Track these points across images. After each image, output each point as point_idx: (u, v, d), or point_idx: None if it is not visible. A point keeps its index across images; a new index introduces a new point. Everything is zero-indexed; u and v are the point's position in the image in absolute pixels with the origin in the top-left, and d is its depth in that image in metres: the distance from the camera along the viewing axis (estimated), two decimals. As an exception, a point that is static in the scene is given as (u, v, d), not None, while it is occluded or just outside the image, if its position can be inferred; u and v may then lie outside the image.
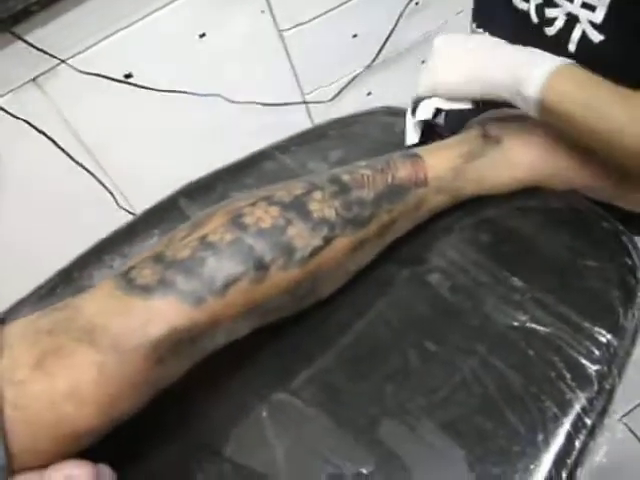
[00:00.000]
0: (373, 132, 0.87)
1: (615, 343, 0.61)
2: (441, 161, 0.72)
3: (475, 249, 0.71)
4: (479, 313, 0.66)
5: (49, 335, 0.54)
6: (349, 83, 1.63)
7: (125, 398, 0.55)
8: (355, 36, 1.54)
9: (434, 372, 0.63)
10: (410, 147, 0.80)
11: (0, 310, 0.81)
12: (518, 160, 0.72)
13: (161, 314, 0.56)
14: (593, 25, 0.70)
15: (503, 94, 0.68)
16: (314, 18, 1.44)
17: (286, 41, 1.47)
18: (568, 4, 0.71)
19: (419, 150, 0.74)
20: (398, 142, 0.83)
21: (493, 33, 0.86)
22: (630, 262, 0.68)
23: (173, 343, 0.56)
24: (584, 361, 0.60)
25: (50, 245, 1.11)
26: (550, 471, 0.55)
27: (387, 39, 1.55)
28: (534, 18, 0.77)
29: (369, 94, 1.70)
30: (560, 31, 0.75)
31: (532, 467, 0.55)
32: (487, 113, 0.79)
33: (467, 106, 0.74)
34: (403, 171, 0.69)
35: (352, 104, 1.66)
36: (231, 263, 0.58)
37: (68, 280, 0.82)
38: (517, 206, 0.74)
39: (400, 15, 1.53)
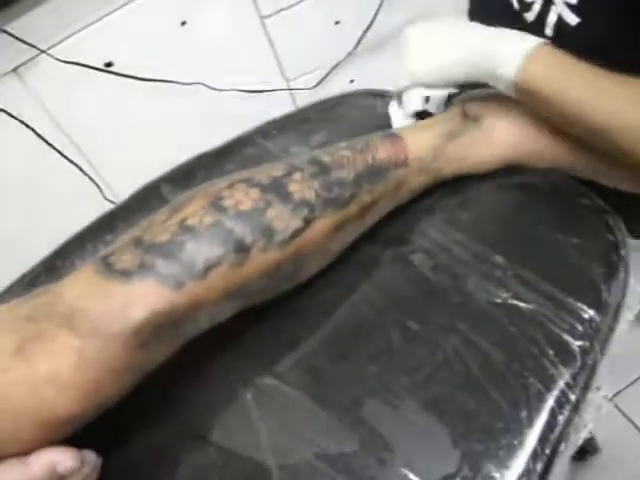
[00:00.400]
0: (355, 114, 0.87)
1: (597, 319, 0.61)
2: (421, 141, 0.72)
3: (457, 228, 0.71)
4: (461, 291, 0.66)
5: (29, 321, 0.53)
6: (332, 70, 1.62)
7: (107, 383, 0.55)
8: (337, 22, 1.53)
9: (417, 351, 0.63)
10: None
11: (-17, 302, 0.81)
12: (498, 138, 0.71)
13: (141, 298, 0.55)
14: (569, 6, 0.70)
15: (481, 76, 0.68)
16: (296, 4, 1.43)
17: (268, 27, 1.46)
18: None
19: (399, 130, 0.73)
20: (380, 124, 0.82)
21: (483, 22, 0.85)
22: (612, 238, 0.68)
23: (154, 327, 0.56)
24: (567, 337, 0.60)
25: (35, 238, 1.09)
26: (534, 447, 0.55)
27: (369, 26, 1.55)
28: (515, 4, 0.77)
29: (352, 81, 1.69)
30: (538, 15, 0.74)
31: (516, 443, 0.55)
32: (468, 93, 0.79)
33: (452, 90, 0.75)
34: (383, 151, 0.69)
35: (336, 91, 1.65)
36: (211, 246, 0.58)
37: (51, 269, 0.82)
38: (498, 184, 0.74)
39: (382, 1, 1.53)
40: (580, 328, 0.61)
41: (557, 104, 0.63)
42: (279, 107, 1.61)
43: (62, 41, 1.26)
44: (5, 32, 1.18)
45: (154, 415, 0.63)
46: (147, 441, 0.62)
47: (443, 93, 0.76)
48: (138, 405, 0.59)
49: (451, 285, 0.66)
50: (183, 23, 1.35)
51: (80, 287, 0.56)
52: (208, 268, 0.58)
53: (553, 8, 0.72)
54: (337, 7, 1.50)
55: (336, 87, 1.66)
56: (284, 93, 1.62)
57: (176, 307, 0.57)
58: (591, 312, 0.61)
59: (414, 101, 0.78)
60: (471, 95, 0.78)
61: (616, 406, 1.55)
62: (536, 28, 0.75)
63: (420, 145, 0.71)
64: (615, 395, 1.55)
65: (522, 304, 0.63)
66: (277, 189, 0.62)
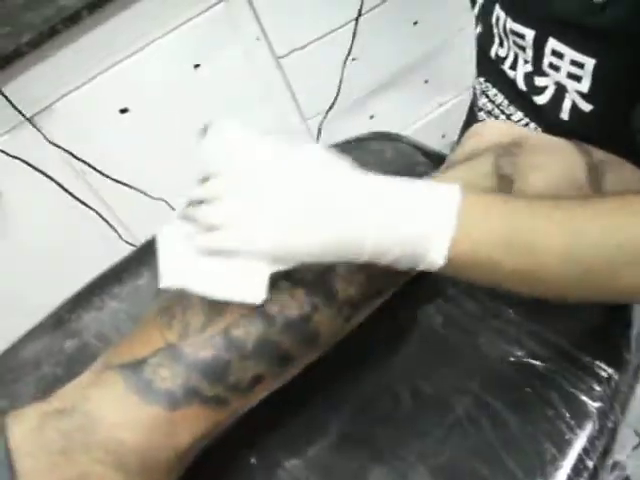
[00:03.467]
0: (362, 159, 0.85)
1: (617, 377, 0.58)
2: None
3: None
4: (473, 348, 0.63)
5: (65, 456, 0.51)
6: (351, 107, 1.61)
7: None
8: (354, 59, 1.52)
9: (427, 413, 0.60)
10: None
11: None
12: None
13: (187, 424, 0.54)
14: (581, 95, 0.67)
15: (381, 258, 0.52)
16: (310, 42, 1.43)
17: (284, 67, 1.46)
18: (555, 73, 0.68)
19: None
20: (387, 170, 0.80)
21: (495, 86, 0.82)
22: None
23: (196, 447, 0.55)
24: (584, 397, 0.57)
25: (55, 282, 1.09)
26: (550, 519, 0.52)
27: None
28: (521, 86, 0.75)
29: (372, 117, 1.68)
30: (552, 100, 0.71)
31: (531, 515, 0.52)
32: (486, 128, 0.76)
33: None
34: None
35: (355, 128, 1.64)
36: (257, 363, 0.55)
37: (58, 323, 0.81)
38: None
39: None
40: (598, 388, 0.57)
41: (494, 276, 0.51)
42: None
43: (76, 89, 1.26)
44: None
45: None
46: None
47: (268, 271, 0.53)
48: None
49: (462, 341, 0.64)
50: (196, 66, 1.35)
51: (116, 411, 0.53)
52: (254, 384, 0.56)
53: (567, 95, 0.69)
54: (352, 44, 1.50)
55: (356, 124, 1.64)
56: (303, 133, 1.61)
57: (218, 424, 0.56)
58: (610, 370, 0.58)
59: (256, 285, 0.53)
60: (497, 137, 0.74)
61: None
62: (549, 111, 0.72)
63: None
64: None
65: (537, 362, 0.60)
66: (323, 289, 0.57)
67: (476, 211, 0.50)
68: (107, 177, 1.40)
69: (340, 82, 1.55)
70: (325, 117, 1.60)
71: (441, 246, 0.49)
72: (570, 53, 0.64)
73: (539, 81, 0.72)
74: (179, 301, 0.57)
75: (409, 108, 1.75)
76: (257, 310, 0.55)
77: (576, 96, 0.67)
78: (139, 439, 0.52)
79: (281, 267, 0.51)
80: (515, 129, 0.73)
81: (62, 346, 0.77)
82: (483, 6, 0.77)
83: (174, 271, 0.53)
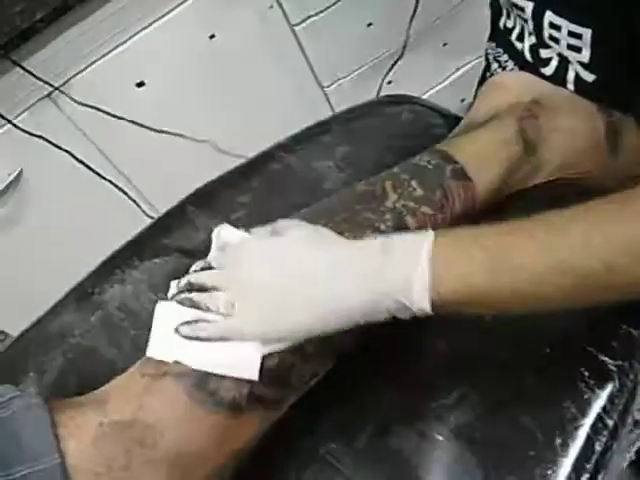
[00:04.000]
0: (377, 124, 0.85)
1: (636, 335, 0.57)
2: (486, 184, 0.67)
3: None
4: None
5: (128, 472, 0.50)
6: (367, 73, 1.60)
7: None
8: (370, 25, 1.50)
9: (445, 374, 0.60)
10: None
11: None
12: (550, 166, 0.70)
13: (248, 428, 0.54)
14: (582, 65, 0.67)
15: (373, 318, 0.53)
16: (325, 9, 1.41)
17: (299, 35, 1.44)
18: (556, 45, 0.68)
19: (465, 164, 0.66)
20: (403, 133, 0.80)
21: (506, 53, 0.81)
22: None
23: (254, 442, 0.56)
24: (603, 357, 0.57)
25: (78, 258, 1.10)
26: (569, 476, 0.52)
27: (411, 21, 1.51)
28: (528, 58, 0.74)
29: (389, 83, 1.66)
30: (556, 71, 0.71)
31: (550, 473, 0.52)
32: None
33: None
34: (459, 204, 0.65)
35: (373, 94, 1.63)
36: (316, 363, 0.57)
37: (82, 297, 0.82)
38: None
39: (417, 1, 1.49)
40: (617, 346, 0.57)
41: (487, 305, 0.52)
42: (316, 115, 1.61)
43: (93, 64, 1.27)
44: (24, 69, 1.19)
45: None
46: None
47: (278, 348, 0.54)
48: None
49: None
50: (211, 37, 1.35)
51: (179, 423, 0.52)
52: (311, 380, 0.57)
53: (570, 66, 0.69)
54: (368, 9, 1.47)
55: (374, 90, 1.63)
56: (321, 100, 1.60)
57: (276, 417, 0.57)
58: (630, 329, 0.58)
59: (247, 365, 0.53)
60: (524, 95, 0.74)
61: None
62: (555, 82, 0.72)
63: (485, 189, 0.67)
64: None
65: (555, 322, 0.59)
66: None
67: (449, 249, 0.51)
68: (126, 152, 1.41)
69: (356, 48, 1.53)
70: (341, 84, 1.59)
71: (422, 293, 0.49)
72: (567, 24, 0.64)
73: (543, 53, 0.71)
74: None
75: (427, 72, 1.73)
76: None
77: (578, 67, 0.68)
78: (204, 450, 0.52)
79: (275, 347, 0.52)
80: (535, 81, 0.73)
81: (87, 318, 0.78)
82: None
83: (165, 344, 0.54)
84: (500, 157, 0.68)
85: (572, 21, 0.63)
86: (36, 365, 0.75)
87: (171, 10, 1.28)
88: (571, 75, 0.69)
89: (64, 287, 0.84)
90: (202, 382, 0.52)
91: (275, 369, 0.53)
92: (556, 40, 0.67)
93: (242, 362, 0.52)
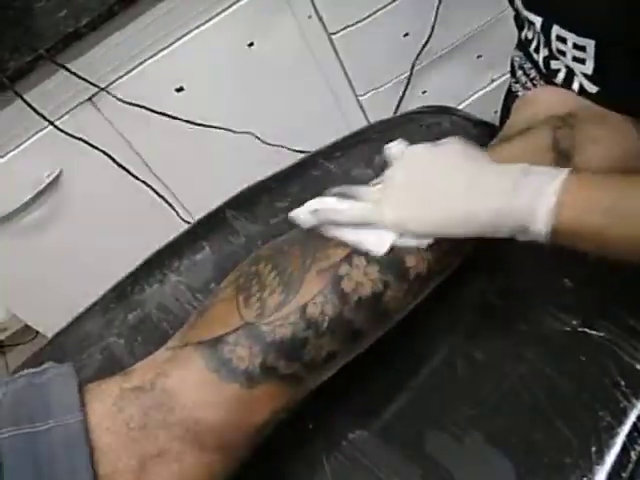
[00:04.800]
0: (415, 133, 0.85)
1: (672, 344, 0.58)
2: None
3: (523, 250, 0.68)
4: (527, 317, 0.63)
5: (144, 432, 0.52)
6: (403, 83, 1.60)
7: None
8: (406, 35, 1.51)
9: (482, 381, 0.61)
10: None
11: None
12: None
13: (264, 401, 0.55)
14: (586, 77, 0.68)
15: (496, 234, 0.57)
16: (363, 19, 1.42)
17: (336, 44, 1.46)
18: (563, 58, 0.69)
19: None
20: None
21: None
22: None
23: (273, 422, 0.57)
24: (639, 365, 0.57)
25: (115, 258, 1.12)
26: (605, 484, 0.53)
27: (430, 36, 1.52)
28: (542, 69, 0.75)
29: (424, 93, 1.67)
30: (564, 82, 0.72)
31: (585, 480, 0.53)
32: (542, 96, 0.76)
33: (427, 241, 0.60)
34: None
35: (407, 104, 1.64)
36: (332, 340, 0.57)
37: (121, 296, 0.83)
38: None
39: (437, 11, 1.50)
40: (653, 355, 0.57)
41: (599, 243, 0.55)
42: (351, 123, 1.62)
43: (134, 69, 1.29)
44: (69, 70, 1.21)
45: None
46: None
47: (414, 244, 0.60)
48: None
49: (517, 311, 0.64)
50: (250, 44, 1.36)
51: (195, 389, 0.54)
52: (327, 361, 0.57)
53: (575, 78, 0.70)
54: (404, 19, 1.48)
55: (408, 100, 1.64)
56: (354, 109, 1.61)
57: (293, 400, 0.58)
58: (665, 338, 0.58)
59: (378, 242, 0.59)
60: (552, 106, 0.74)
61: None
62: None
63: None
64: None
65: (592, 332, 0.60)
66: (395, 266, 0.59)
67: (578, 185, 0.54)
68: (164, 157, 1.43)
69: (392, 58, 1.54)
70: (376, 93, 1.60)
71: (545, 218, 0.53)
72: (572, 37, 0.65)
73: (554, 64, 0.73)
74: (255, 278, 0.59)
75: (462, 84, 1.73)
76: (332, 288, 0.56)
77: (582, 78, 0.69)
78: (217, 417, 0.53)
79: (406, 241, 0.58)
80: (569, 96, 0.73)
81: (125, 317, 0.80)
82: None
83: (312, 210, 0.61)
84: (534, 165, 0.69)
85: (577, 33, 0.64)
86: (73, 363, 0.76)
87: (212, 18, 1.30)
88: (576, 86, 0.70)
89: (101, 288, 0.86)
90: (217, 351, 0.55)
91: (287, 341, 0.55)
92: (563, 52, 0.68)
93: (374, 240, 0.58)
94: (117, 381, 0.56)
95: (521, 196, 0.54)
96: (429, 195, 0.58)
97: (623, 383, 0.56)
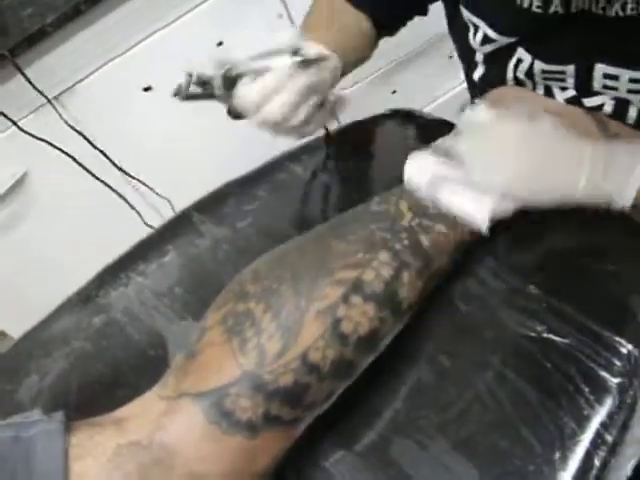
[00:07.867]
0: (381, 139, 0.85)
1: (637, 353, 0.58)
2: None
3: (488, 253, 0.68)
4: (493, 323, 0.63)
5: None
6: (374, 82, 1.61)
7: None
8: (377, 34, 1.51)
9: (447, 388, 0.61)
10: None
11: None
12: None
13: (267, 448, 0.54)
14: None
15: (590, 199, 0.62)
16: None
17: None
18: (613, 92, 0.71)
19: None
20: (408, 146, 0.80)
21: None
22: (653, 264, 0.64)
23: (274, 464, 0.55)
24: (603, 373, 0.57)
25: (79, 261, 1.11)
26: (568, 491, 0.53)
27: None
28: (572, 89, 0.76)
29: (394, 92, 1.67)
30: (614, 113, 0.73)
31: (549, 487, 0.53)
32: None
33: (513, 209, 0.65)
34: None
35: (377, 103, 1.63)
36: (333, 382, 0.57)
37: (86, 300, 0.82)
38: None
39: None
40: (618, 364, 0.58)
41: None
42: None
43: (100, 68, 1.27)
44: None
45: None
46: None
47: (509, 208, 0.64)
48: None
49: (483, 317, 0.64)
50: (219, 44, 1.35)
51: (196, 444, 0.52)
52: (327, 399, 0.57)
53: (631, 107, 0.72)
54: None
55: (378, 99, 1.63)
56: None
57: (292, 439, 0.57)
58: (630, 346, 0.58)
59: (482, 211, 0.64)
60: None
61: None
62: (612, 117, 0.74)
63: None
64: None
65: (557, 338, 0.60)
66: (391, 301, 0.59)
67: None
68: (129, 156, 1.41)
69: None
70: (346, 93, 1.59)
71: (631, 191, 0.59)
72: (627, 72, 0.67)
73: (589, 101, 0.74)
74: (248, 321, 0.57)
75: (432, 84, 1.74)
76: (332, 331, 0.55)
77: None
78: (219, 470, 0.52)
79: (509, 205, 0.63)
80: (537, 98, 0.74)
81: (90, 321, 0.78)
82: (492, 53, 0.78)
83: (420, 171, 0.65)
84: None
85: (633, 69, 0.66)
86: (38, 367, 0.75)
87: (181, 16, 1.29)
88: (632, 113, 0.72)
89: (66, 290, 0.84)
90: (218, 403, 0.52)
91: (290, 389, 0.53)
92: (613, 88, 0.70)
93: (477, 212, 0.63)
94: (112, 435, 0.52)
95: (612, 176, 0.59)
96: (535, 169, 0.62)
97: (587, 390, 0.56)
